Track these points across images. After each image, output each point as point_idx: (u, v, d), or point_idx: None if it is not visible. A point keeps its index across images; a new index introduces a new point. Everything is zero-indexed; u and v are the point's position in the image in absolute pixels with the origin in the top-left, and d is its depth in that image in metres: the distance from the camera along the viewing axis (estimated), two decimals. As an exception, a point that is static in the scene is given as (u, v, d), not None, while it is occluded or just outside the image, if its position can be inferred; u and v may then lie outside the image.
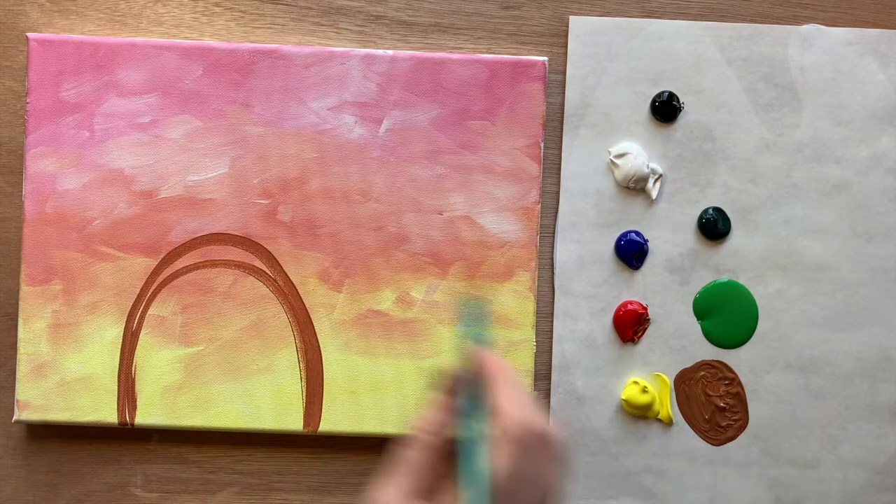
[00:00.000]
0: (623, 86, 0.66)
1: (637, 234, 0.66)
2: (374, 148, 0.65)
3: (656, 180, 0.66)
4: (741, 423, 0.66)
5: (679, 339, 0.66)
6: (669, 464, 0.66)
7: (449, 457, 0.47)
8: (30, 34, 0.65)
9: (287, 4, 0.67)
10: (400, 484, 0.46)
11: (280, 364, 0.65)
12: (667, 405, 0.66)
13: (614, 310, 0.66)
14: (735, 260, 0.66)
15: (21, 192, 0.66)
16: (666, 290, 0.66)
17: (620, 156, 0.65)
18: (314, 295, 0.65)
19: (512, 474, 0.44)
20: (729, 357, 0.66)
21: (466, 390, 0.48)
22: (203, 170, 0.65)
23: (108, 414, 0.65)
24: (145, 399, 0.65)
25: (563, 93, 0.66)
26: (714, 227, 0.65)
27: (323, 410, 0.65)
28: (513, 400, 0.46)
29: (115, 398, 0.65)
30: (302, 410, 0.65)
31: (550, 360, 0.66)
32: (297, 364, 0.65)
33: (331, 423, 0.65)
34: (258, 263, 0.65)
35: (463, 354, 0.48)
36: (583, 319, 0.66)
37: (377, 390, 0.65)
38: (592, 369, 0.66)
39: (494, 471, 0.44)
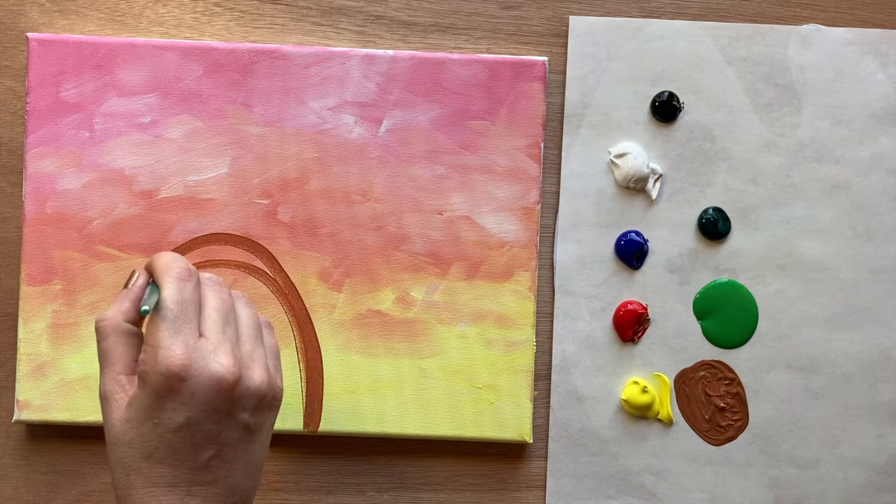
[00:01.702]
0: (623, 86, 0.66)
1: (637, 234, 0.66)
2: (374, 148, 0.65)
3: (656, 180, 0.66)
4: (741, 423, 0.66)
5: (679, 339, 0.66)
6: (669, 464, 0.66)
7: (140, 335, 0.53)
8: (30, 34, 0.65)
9: (287, 4, 0.67)
10: (114, 370, 0.52)
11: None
12: (667, 405, 0.66)
13: (614, 310, 0.66)
14: (735, 260, 0.66)
15: (21, 192, 0.66)
16: (666, 290, 0.66)
17: (620, 156, 0.65)
18: (314, 295, 0.65)
19: (179, 299, 0.52)
20: (729, 357, 0.66)
21: (145, 281, 0.55)
22: (203, 170, 0.65)
23: (108, 414, 0.65)
24: (145, 399, 0.65)
25: (563, 93, 0.66)
26: (714, 227, 0.65)
27: (323, 410, 0.65)
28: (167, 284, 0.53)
29: (115, 398, 0.65)
30: (302, 410, 0.65)
31: (550, 360, 0.66)
32: (297, 364, 0.65)
33: (331, 423, 0.65)
34: (258, 263, 0.65)
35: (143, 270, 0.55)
36: (583, 319, 0.66)
37: (377, 390, 0.65)
38: (592, 369, 0.66)
39: (165, 294, 0.52)
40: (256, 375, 0.52)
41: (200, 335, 0.52)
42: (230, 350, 0.51)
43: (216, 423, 0.51)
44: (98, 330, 0.53)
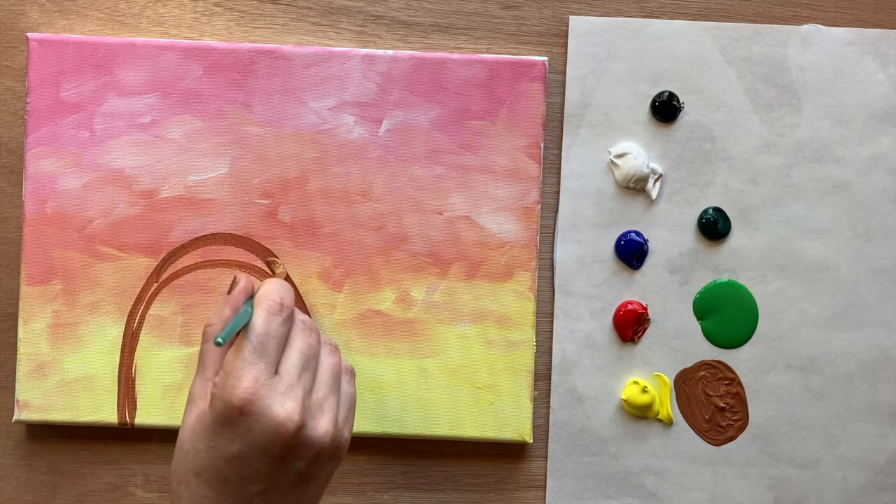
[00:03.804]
0: (623, 86, 0.66)
1: (637, 234, 0.66)
2: (374, 148, 0.65)
3: (656, 180, 0.66)
4: (741, 423, 0.66)
5: (679, 339, 0.66)
6: (669, 464, 0.66)
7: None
8: (30, 34, 0.65)
9: (287, 4, 0.67)
10: (204, 375, 0.53)
11: (280, 364, 0.65)
12: (667, 405, 0.66)
13: (614, 310, 0.66)
14: (735, 260, 0.66)
15: (21, 192, 0.66)
16: (666, 290, 0.66)
17: (620, 156, 0.65)
18: (315, 294, 0.65)
19: (262, 332, 0.52)
20: (729, 357, 0.66)
21: (245, 286, 0.56)
22: (203, 170, 0.65)
23: (108, 414, 0.65)
24: (145, 399, 0.65)
25: (563, 93, 0.66)
26: (714, 227, 0.66)
27: (323, 410, 0.65)
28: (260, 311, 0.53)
29: (115, 398, 0.65)
30: (302, 410, 0.65)
31: (550, 360, 0.66)
32: (298, 364, 0.65)
33: (331, 423, 0.65)
34: (259, 263, 0.65)
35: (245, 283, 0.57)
36: (583, 319, 0.66)
37: (377, 390, 0.65)
38: (592, 369, 0.66)
39: (252, 322, 0.52)
40: (321, 426, 0.52)
41: (277, 372, 0.51)
42: (300, 397, 0.51)
43: (268, 464, 0.50)
44: (203, 333, 0.54)
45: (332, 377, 0.54)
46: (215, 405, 0.50)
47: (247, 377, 0.50)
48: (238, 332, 0.52)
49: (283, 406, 0.50)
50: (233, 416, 0.50)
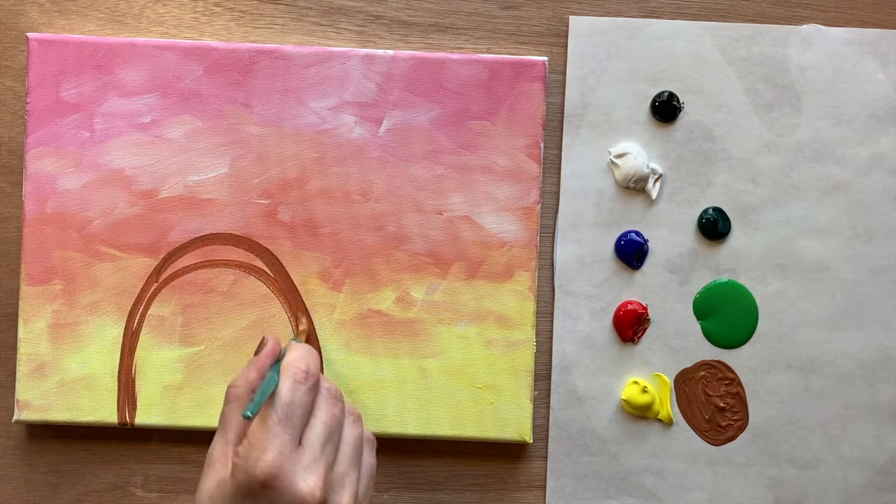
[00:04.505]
0: (623, 86, 0.66)
1: (637, 234, 0.66)
2: (374, 148, 0.65)
3: (656, 180, 0.66)
4: (741, 423, 0.66)
5: (679, 339, 0.66)
6: (669, 464, 0.66)
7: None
8: (30, 34, 0.65)
9: (287, 4, 0.67)
10: (226, 438, 0.53)
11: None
12: (667, 405, 0.66)
13: (614, 310, 0.66)
14: (735, 260, 0.66)
15: (21, 192, 0.66)
16: (666, 290, 0.66)
17: (620, 156, 0.65)
18: (315, 295, 0.65)
19: (288, 401, 0.52)
20: (729, 357, 0.66)
21: (272, 349, 0.57)
22: (203, 170, 0.65)
23: (108, 414, 0.65)
24: (145, 399, 0.65)
25: (563, 93, 0.66)
26: (714, 227, 0.66)
27: (323, 410, 0.65)
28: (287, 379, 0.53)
29: (115, 398, 0.65)
30: (302, 410, 0.65)
31: (550, 360, 0.66)
32: (298, 364, 0.65)
33: (331, 423, 0.65)
34: (259, 263, 0.65)
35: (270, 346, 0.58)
36: (583, 319, 0.66)
37: (377, 390, 0.65)
38: (592, 369, 0.66)
39: (278, 391, 0.52)
40: (342, 502, 0.52)
41: (300, 443, 0.51)
42: (323, 471, 0.51)
43: None
44: (226, 394, 0.54)
45: (355, 449, 0.54)
46: (237, 476, 0.50)
47: (271, 449, 0.50)
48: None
49: (305, 482, 0.50)
50: (255, 490, 0.49)
